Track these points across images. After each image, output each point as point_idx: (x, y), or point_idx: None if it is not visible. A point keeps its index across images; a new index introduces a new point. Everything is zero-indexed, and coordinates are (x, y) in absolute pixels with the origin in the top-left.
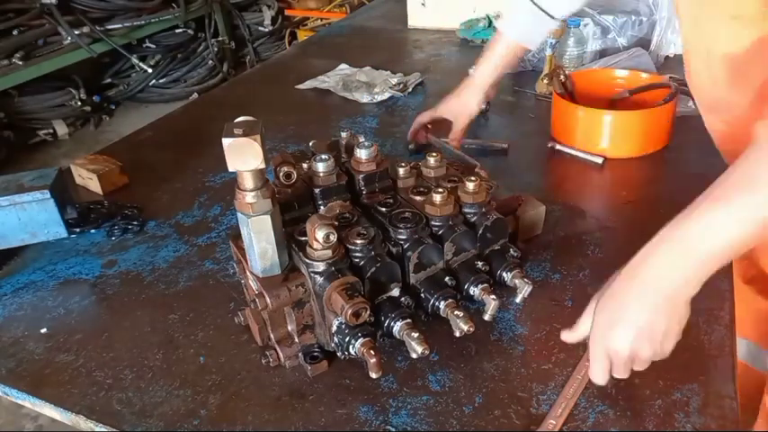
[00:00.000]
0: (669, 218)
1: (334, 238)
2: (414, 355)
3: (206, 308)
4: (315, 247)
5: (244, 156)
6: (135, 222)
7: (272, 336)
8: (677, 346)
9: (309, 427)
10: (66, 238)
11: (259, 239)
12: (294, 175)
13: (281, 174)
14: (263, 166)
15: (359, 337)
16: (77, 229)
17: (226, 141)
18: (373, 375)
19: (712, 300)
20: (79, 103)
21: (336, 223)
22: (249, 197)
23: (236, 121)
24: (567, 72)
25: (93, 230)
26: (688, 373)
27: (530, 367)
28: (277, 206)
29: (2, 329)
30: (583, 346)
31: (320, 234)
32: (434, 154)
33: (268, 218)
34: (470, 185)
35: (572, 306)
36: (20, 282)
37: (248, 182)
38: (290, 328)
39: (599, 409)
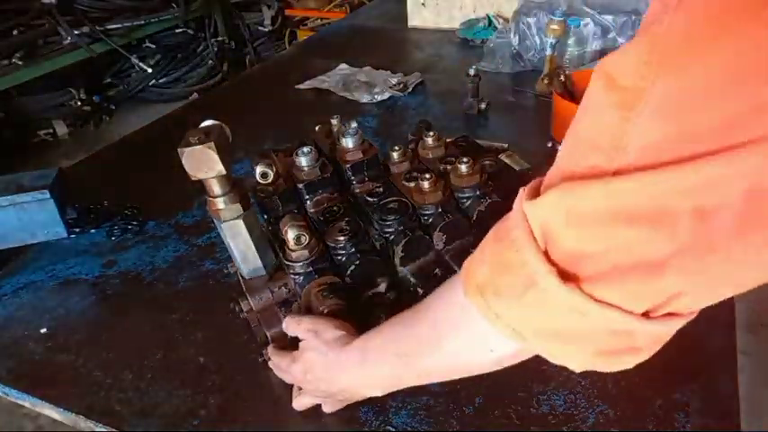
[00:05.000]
0: None
1: (305, 239)
2: None
3: (206, 308)
4: (291, 247)
5: (201, 164)
6: (135, 222)
7: (267, 334)
8: (677, 345)
9: (309, 427)
10: (65, 238)
11: (236, 243)
12: (270, 174)
13: (258, 173)
14: (223, 172)
15: None
16: (77, 229)
17: (181, 151)
18: None
19: None
20: (79, 103)
21: (322, 218)
22: (218, 203)
23: (199, 126)
24: (567, 72)
25: (92, 230)
26: (688, 373)
27: (530, 367)
28: (252, 208)
29: (2, 329)
30: None
31: (291, 235)
32: (432, 133)
33: (240, 222)
34: (463, 168)
35: None
36: (20, 282)
37: (215, 188)
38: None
39: (599, 409)
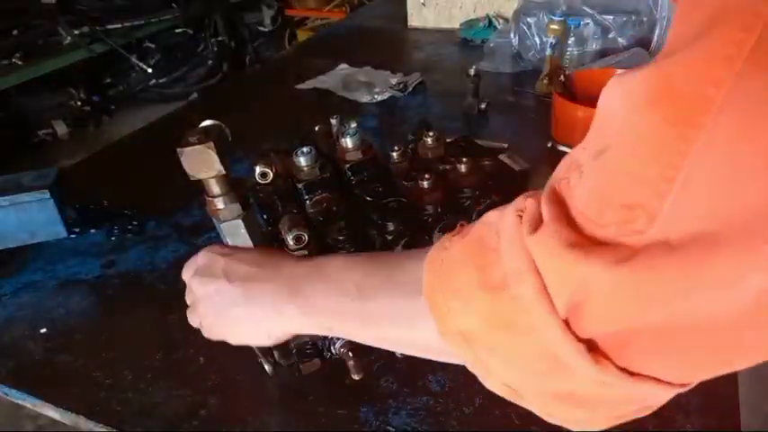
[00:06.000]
0: None
1: (305, 238)
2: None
3: None
4: (291, 247)
5: (200, 164)
6: (135, 222)
7: None
8: None
9: (309, 427)
10: (65, 238)
11: (236, 243)
12: (270, 174)
13: (257, 173)
14: (223, 172)
15: (339, 338)
16: (77, 230)
17: (180, 151)
18: (355, 377)
19: None
20: (79, 103)
21: (322, 218)
22: (217, 203)
23: (199, 126)
24: (567, 72)
25: (92, 230)
26: None
27: None
28: (252, 208)
29: (2, 329)
30: None
31: (291, 235)
32: (432, 133)
33: (240, 222)
34: (463, 168)
35: None
36: (20, 282)
37: (214, 188)
38: None
39: None
